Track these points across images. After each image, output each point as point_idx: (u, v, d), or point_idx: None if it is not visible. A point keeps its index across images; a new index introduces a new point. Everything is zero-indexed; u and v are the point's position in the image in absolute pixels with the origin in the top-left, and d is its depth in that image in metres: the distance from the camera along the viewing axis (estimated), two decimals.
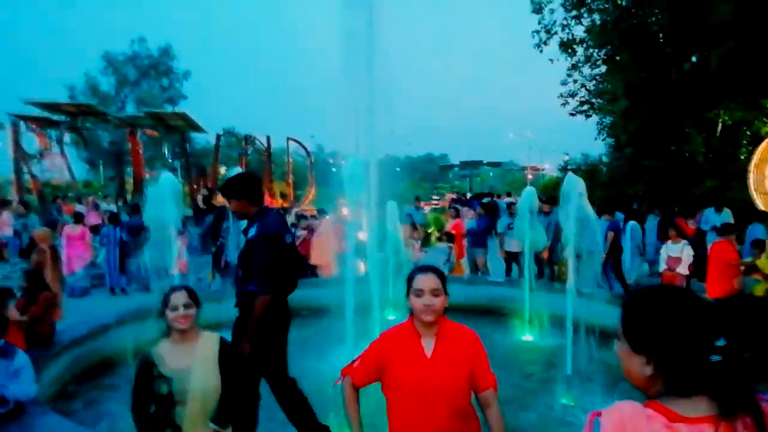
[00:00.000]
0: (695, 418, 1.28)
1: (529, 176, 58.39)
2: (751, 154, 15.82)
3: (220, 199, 13.72)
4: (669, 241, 8.67)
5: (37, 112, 17.40)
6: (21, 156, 16.43)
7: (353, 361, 2.54)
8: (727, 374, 1.26)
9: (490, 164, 58.63)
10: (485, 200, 18.95)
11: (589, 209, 6.20)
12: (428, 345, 2.38)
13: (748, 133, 17.25)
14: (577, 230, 6.00)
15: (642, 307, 1.39)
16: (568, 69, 22.31)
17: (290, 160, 22.47)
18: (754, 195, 13.26)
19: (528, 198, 8.39)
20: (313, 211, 14.66)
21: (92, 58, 50.96)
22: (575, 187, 5.95)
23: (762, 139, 15.43)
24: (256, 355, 3.58)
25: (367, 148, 6.63)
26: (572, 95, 22.75)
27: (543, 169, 59.51)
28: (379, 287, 6.43)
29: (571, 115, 22.58)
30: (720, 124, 17.74)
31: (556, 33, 21.26)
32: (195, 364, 2.76)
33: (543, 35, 21.27)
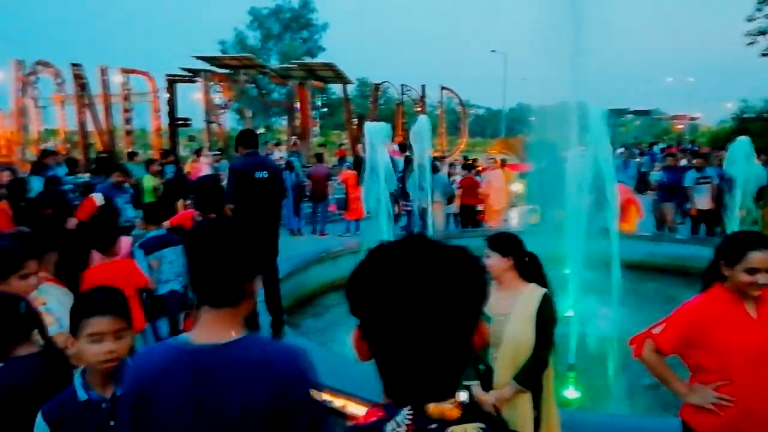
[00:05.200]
0: None
1: (680, 126, 53.14)
2: None
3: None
4: None
5: (201, 65, 18.87)
6: (211, 107, 18.14)
7: (649, 329, 2.51)
8: None
9: (636, 112, 54.13)
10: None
11: None
12: (751, 308, 2.35)
13: None
14: None
15: None
16: (759, 2, 19.58)
17: (443, 109, 22.52)
18: None
19: (743, 147, 7.93)
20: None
21: (239, 12, 54.21)
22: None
23: None
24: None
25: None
26: (762, 33, 20.02)
27: (696, 119, 53.86)
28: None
29: (764, 55, 19.94)
30: None
31: None
32: (514, 312, 2.76)
33: None
